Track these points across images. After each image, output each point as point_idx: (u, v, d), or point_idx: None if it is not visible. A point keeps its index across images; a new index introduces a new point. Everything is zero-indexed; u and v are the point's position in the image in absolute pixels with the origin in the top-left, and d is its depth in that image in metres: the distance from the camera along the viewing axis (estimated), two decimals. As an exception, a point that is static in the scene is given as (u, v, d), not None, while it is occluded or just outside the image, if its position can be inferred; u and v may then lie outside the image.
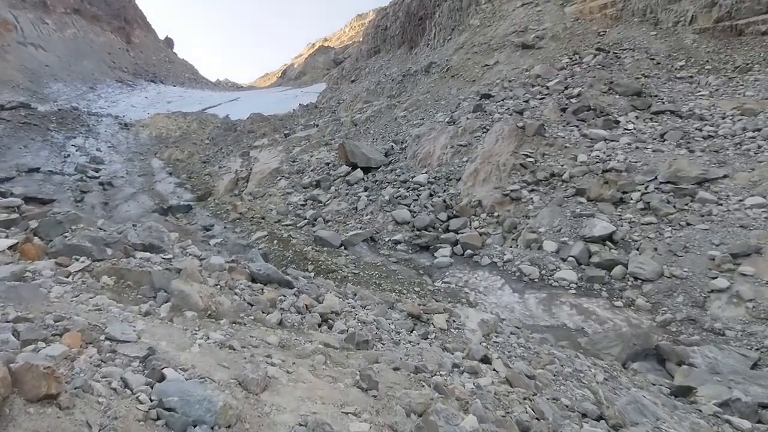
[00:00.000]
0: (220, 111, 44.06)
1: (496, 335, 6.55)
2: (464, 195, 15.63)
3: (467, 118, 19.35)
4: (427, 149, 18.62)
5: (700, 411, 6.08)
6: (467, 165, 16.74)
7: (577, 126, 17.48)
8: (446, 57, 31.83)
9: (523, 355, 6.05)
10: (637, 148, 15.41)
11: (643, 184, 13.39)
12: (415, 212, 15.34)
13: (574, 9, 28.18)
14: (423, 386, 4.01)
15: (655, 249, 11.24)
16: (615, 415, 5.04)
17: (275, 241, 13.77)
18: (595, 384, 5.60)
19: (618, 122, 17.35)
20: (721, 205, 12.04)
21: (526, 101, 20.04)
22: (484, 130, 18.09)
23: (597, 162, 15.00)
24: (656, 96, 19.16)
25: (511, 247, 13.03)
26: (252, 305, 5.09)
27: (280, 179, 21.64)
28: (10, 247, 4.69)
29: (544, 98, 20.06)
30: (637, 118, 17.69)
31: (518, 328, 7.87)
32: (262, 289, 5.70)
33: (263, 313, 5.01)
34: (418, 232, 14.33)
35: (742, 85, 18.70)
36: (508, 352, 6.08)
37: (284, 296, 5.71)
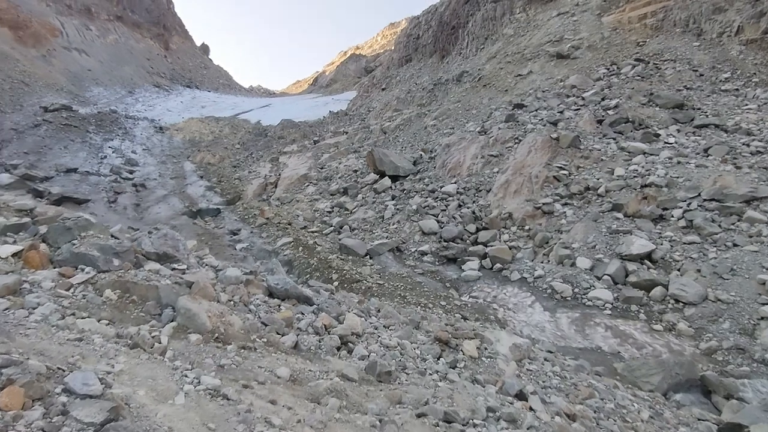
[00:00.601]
0: (252, 117, 44.81)
1: (529, 362, 6.13)
2: (494, 207, 15.20)
3: (499, 128, 18.93)
4: (456, 159, 18.26)
5: (753, 453, 5.54)
6: (498, 176, 16.31)
7: (614, 138, 16.83)
8: (478, 66, 31.40)
9: (559, 387, 5.60)
10: (678, 162, 14.68)
11: (685, 201, 12.69)
12: (442, 223, 14.99)
13: (612, 19, 27.44)
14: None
15: (699, 270, 10.57)
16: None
17: (300, 248, 13.66)
18: (640, 423, 5.13)
19: (658, 135, 16.60)
20: (771, 225, 11.27)
21: (561, 112, 19.45)
22: (517, 140, 17.63)
23: (635, 176, 14.34)
24: (699, 109, 18.29)
25: (542, 262, 12.53)
26: (266, 325, 4.82)
27: (308, 185, 21.64)
28: (14, 254, 4.52)
29: (579, 109, 19.43)
30: (678, 131, 16.89)
31: (551, 352, 7.40)
32: (279, 306, 5.44)
33: (278, 334, 4.71)
34: (445, 244, 13.96)
35: (793, 98, 17.71)
36: (543, 382, 5.65)
37: (302, 314, 5.43)
